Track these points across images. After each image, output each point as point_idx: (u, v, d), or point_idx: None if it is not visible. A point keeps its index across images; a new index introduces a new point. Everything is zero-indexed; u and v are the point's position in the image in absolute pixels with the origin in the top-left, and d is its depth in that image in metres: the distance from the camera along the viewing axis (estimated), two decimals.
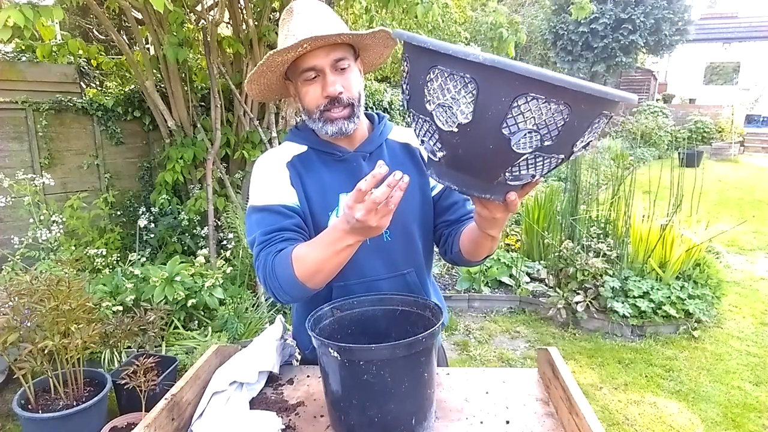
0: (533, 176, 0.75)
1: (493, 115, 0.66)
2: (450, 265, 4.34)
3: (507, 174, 0.74)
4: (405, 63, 0.77)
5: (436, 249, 1.27)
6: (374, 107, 5.48)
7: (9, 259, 3.16)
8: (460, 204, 1.20)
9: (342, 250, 0.90)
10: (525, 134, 0.67)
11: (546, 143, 0.68)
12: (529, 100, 0.64)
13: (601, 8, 9.98)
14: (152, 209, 3.83)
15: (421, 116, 0.75)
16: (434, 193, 1.20)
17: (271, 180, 1.11)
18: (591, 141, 0.73)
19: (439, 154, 0.76)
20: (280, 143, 4.04)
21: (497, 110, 0.65)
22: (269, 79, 1.12)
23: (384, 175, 0.78)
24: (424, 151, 0.81)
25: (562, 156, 0.72)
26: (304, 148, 1.16)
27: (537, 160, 0.71)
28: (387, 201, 0.80)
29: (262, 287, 3.60)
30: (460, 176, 0.78)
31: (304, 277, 0.94)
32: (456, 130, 0.70)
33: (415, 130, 0.79)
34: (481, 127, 0.68)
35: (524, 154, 0.69)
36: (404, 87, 0.79)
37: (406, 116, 6.19)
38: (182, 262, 3.22)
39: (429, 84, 0.70)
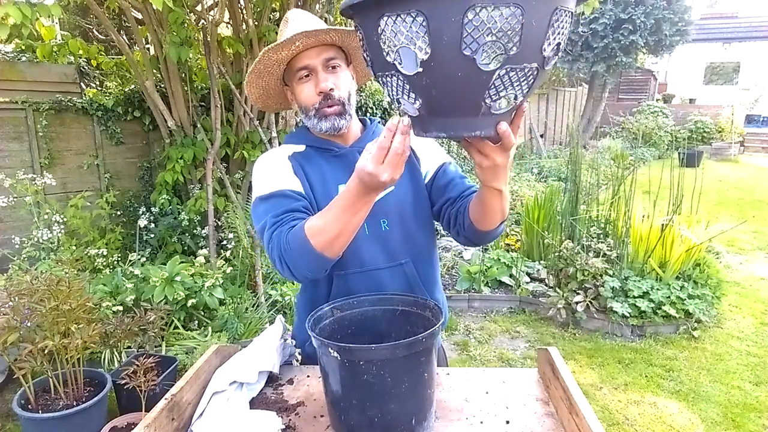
0: (515, 97, 0.73)
1: (450, 40, 0.65)
2: (450, 265, 4.34)
3: (488, 100, 0.72)
4: (359, 32, 0.77)
5: (447, 234, 1.25)
6: (374, 107, 5.49)
7: (13, 259, 3.16)
8: (458, 180, 1.20)
9: (359, 210, 0.92)
10: (487, 48, 0.66)
11: (512, 52, 0.66)
12: (478, 11, 0.63)
13: (601, 8, 9.97)
14: (152, 209, 3.83)
15: (387, 74, 0.75)
16: (427, 180, 1.22)
17: (275, 171, 1.15)
18: (561, 43, 0.71)
19: (416, 106, 0.76)
20: (280, 143, 4.06)
21: (452, 33, 0.64)
22: (267, 82, 1.18)
23: (396, 126, 0.80)
24: (404, 110, 0.81)
25: (535, 64, 0.69)
26: (302, 147, 1.20)
27: (511, 75, 0.69)
28: (404, 150, 0.82)
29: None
30: (444, 121, 0.76)
31: (323, 246, 0.94)
32: (421, 69, 0.69)
33: (389, 95, 0.79)
34: (443, 57, 0.67)
35: (494, 70, 0.67)
36: (365, 56, 0.79)
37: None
38: (182, 262, 3.22)
39: (383, 36, 0.70)
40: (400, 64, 0.71)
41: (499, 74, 0.68)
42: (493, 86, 0.70)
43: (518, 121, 0.81)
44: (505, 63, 0.67)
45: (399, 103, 0.79)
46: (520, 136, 10.42)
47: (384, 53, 0.72)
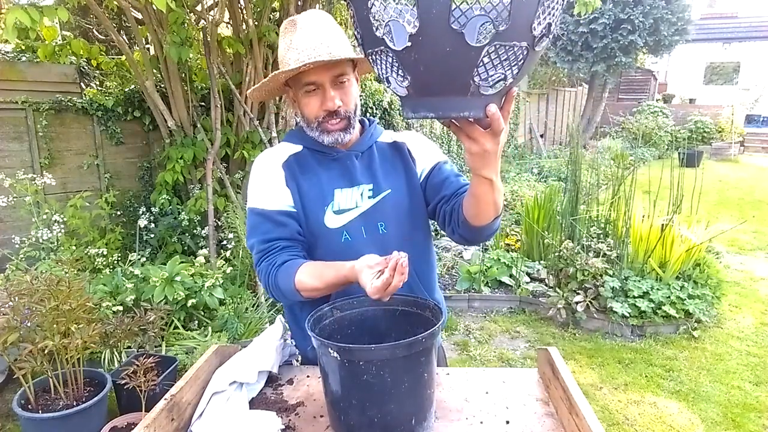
0: (504, 77, 0.72)
1: (438, 13, 0.64)
2: (450, 265, 4.34)
3: (476, 78, 0.71)
4: (349, 8, 0.76)
5: (443, 233, 1.26)
6: (374, 107, 5.49)
7: (11, 259, 3.16)
8: (452, 178, 1.20)
9: (341, 286, 1.04)
10: (476, 23, 0.66)
11: (501, 28, 0.66)
12: None
13: (600, 8, 9.98)
14: (152, 209, 3.83)
15: (376, 50, 0.74)
16: (422, 178, 1.23)
17: (267, 182, 1.17)
18: (552, 24, 0.70)
19: (405, 84, 0.75)
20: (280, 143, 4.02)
21: (440, 6, 0.64)
22: (272, 88, 1.20)
23: (396, 261, 0.90)
24: (394, 90, 0.80)
25: (525, 44, 0.68)
26: (299, 147, 1.21)
27: (500, 53, 0.68)
28: (399, 283, 0.91)
29: (262, 288, 3.63)
30: (432, 100, 0.75)
31: (308, 296, 1.07)
32: (409, 44, 0.68)
33: (378, 74, 0.79)
34: (432, 31, 0.66)
35: (483, 47, 0.67)
36: (356, 34, 0.78)
37: (403, 113, 6.20)
38: (182, 262, 3.22)
39: (372, 9, 0.70)
40: (388, 39, 0.71)
41: (487, 51, 0.67)
42: (481, 63, 0.69)
43: (508, 106, 0.80)
44: (493, 39, 0.66)
45: (388, 82, 0.78)
46: (519, 135, 10.42)
47: (373, 28, 0.72)
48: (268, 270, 1.09)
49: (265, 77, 1.23)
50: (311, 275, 1.04)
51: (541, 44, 0.71)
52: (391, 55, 0.72)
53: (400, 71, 0.74)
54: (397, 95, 0.80)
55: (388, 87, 0.79)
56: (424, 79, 0.73)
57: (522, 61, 0.71)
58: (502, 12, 0.65)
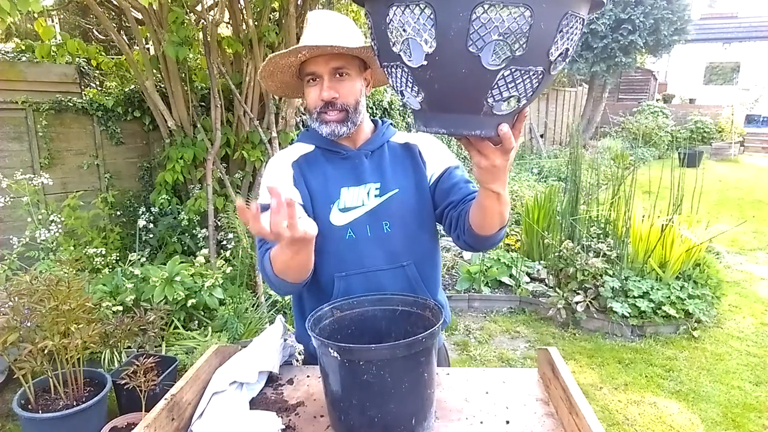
0: (518, 100, 0.72)
1: (456, 35, 0.65)
2: (450, 265, 4.34)
3: (490, 100, 0.71)
4: (368, 19, 0.77)
5: (449, 238, 1.26)
6: (374, 107, 5.49)
7: (5, 258, 3.15)
8: (462, 184, 1.20)
9: (289, 256, 0.94)
10: (493, 47, 0.66)
11: (518, 53, 0.66)
12: (486, 8, 0.63)
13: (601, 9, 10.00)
14: (152, 209, 3.83)
15: (392, 64, 0.75)
16: (431, 182, 1.23)
17: (275, 179, 1.18)
18: (570, 49, 0.70)
19: (419, 99, 0.75)
20: (280, 143, 4.02)
21: (458, 28, 0.64)
22: (282, 79, 1.21)
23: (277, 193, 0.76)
24: (407, 102, 0.79)
25: (541, 68, 0.68)
26: (311, 147, 1.22)
27: (515, 76, 0.68)
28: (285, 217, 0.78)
29: (262, 287, 3.64)
30: (445, 117, 0.75)
31: (280, 274, 1.01)
32: (425, 62, 0.69)
33: (393, 86, 0.79)
34: (448, 52, 0.66)
35: (498, 70, 0.67)
36: (373, 45, 0.78)
37: (407, 116, 6.20)
38: (182, 262, 3.22)
39: (390, 25, 0.70)
40: (405, 55, 0.71)
41: (503, 74, 0.68)
42: (496, 86, 0.69)
43: (520, 125, 0.80)
44: (510, 63, 0.67)
45: (402, 95, 0.78)
46: (519, 135, 10.40)
47: (390, 43, 0.72)
48: (259, 258, 1.07)
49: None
50: (276, 246, 0.98)
51: (558, 68, 0.71)
52: (406, 70, 0.73)
53: (414, 87, 0.74)
54: (410, 108, 0.80)
55: (401, 99, 0.80)
56: (439, 96, 0.73)
57: (537, 84, 0.71)
58: (520, 37, 0.65)
